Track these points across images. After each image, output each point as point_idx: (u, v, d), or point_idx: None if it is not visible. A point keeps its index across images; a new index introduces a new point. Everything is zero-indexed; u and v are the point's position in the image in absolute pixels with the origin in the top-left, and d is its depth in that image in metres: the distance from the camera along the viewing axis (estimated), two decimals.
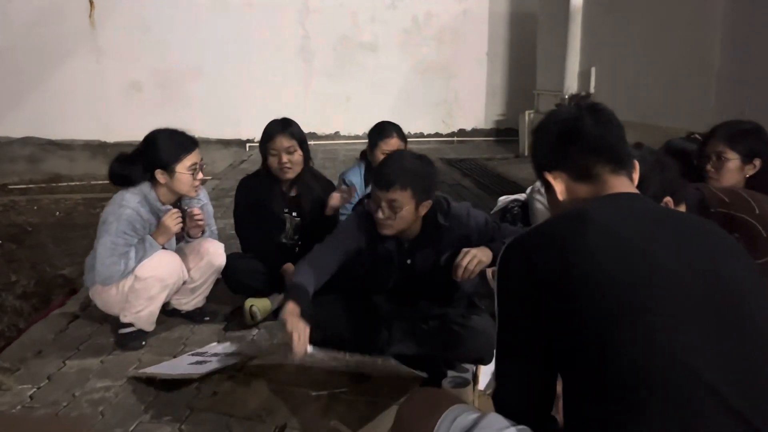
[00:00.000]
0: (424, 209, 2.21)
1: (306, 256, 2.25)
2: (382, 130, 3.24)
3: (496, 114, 10.39)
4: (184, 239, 2.83)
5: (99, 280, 2.55)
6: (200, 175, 2.63)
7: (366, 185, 3.31)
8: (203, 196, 2.84)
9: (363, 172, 3.36)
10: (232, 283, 2.91)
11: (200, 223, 2.72)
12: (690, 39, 5.00)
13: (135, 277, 2.55)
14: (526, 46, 9.35)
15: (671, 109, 5.21)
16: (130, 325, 2.68)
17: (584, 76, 7.03)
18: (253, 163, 8.48)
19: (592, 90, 6.86)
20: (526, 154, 8.44)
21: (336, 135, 9.96)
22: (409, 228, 2.24)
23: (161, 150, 2.56)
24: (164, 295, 2.66)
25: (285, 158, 2.84)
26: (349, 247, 2.29)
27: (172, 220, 2.58)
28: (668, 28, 5.31)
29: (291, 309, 1.97)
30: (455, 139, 10.31)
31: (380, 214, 2.15)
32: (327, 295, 2.31)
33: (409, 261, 2.35)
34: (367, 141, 3.29)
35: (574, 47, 7.15)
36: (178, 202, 2.74)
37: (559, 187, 1.29)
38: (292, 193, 3.01)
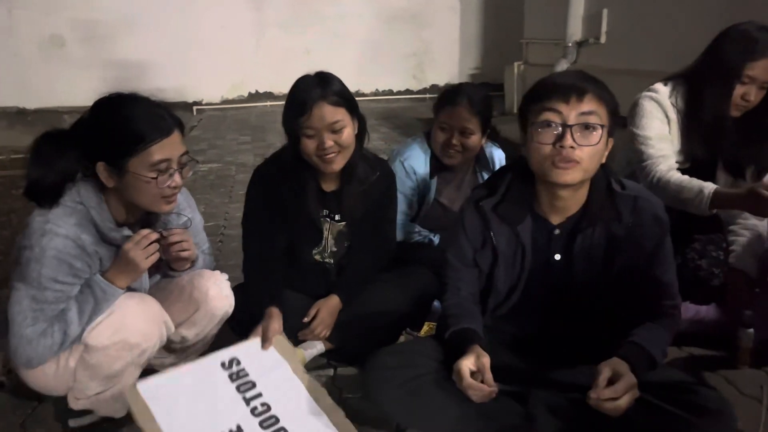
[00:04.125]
0: (607, 152, 1.49)
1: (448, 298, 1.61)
2: (448, 95, 2.28)
3: (471, 67, 9.48)
4: (162, 271, 1.80)
5: (20, 361, 1.54)
6: (176, 180, 1.57)
7: (432, 177, 2.35)
8: (186, 202, 1.81)
9: (430, 159, 2.35)
10: (245, 330, 1.93)
11: (184, 254, 1.65)
12: None
13: (85, 346, 1.54)
14: None
15: None
16: (87, 412, 1.68)
17: (592, 20, 6.15)
18: (204, 128, 7.35)
19: (602, 37, 6.00)
20: (515, 110, 7.59)
21: None
22: (580, 186, 1.49)
23: (109, 129, 1.53)
24: (138, 366, 1.67)
25: (329, 140, 1.79)
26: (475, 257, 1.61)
27: (140, 251, 1.54)
28: None
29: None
30: (428, 96, 9.36)
31: (568, 140, 1.40)
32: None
33: (558, 256, 1.54)
34: None
35: None
36: (147, 217, 1.70)
37: None
38: (333, 187, 1.99)
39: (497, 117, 7.67)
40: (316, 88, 1.79)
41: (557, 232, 1.55)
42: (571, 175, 1.42)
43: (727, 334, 2.00)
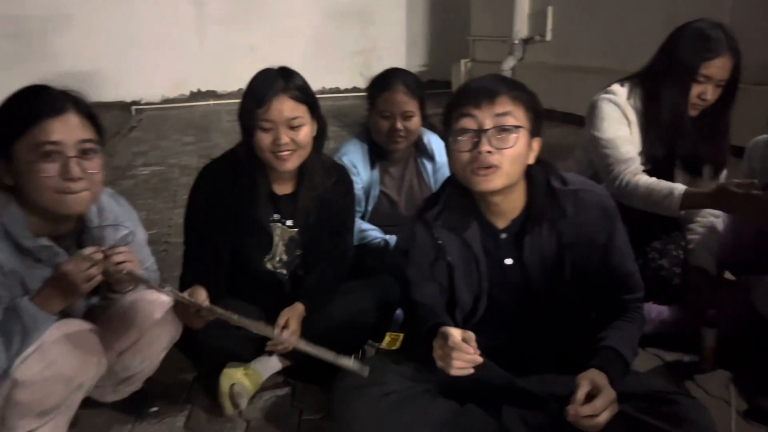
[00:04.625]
0: (533, 153, 1.45)
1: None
2: (381, 82, 2.24)
3: (419, 65, 9.44)
4: (100, 294, 1.60)
5: None
6: (73, 170, 1.37)
7: (373, 168, 2.29)
8: (125, 215, 1.63)
9: (368, 151, 2.30)
10: (195, 351, 1.79)
11: (128, 276, 1.40)
12: None
13: (13, 382, 1.36)
14: None
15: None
16: None
17: (538, 18, 6.20)
18: (145, 129, 7.06)
19: (548, 34, 6.05)
20: None
21: (240, 93, 8.57)
22: (510, 190, 1.44)
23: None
24: (75, 402, 1.50)
25: (285, 136, 1.70)
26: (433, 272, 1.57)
27: (81, 273, 1.34)
28: None
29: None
30: None
31: (485, 146, 1.36)
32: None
33: (509, 261, 1.52)
34: None
35: None
36: (82, 227, 1.52)
37: None
38: (286, 190, 1.88)
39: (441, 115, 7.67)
40: (279, 81, 1.70)
41: (504, 236, 1.50)
42: (493, 182, 1.38)
43: (691, 334, 1.99)
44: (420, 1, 9.17)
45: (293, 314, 1.80)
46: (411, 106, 2.20)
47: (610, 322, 1.47)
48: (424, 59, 9.40)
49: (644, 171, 2.05)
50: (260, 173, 1.79)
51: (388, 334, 2.03)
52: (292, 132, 1.71)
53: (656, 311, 2.06)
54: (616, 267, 1.49)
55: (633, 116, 2.08)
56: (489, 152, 1.36)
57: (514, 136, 1.37)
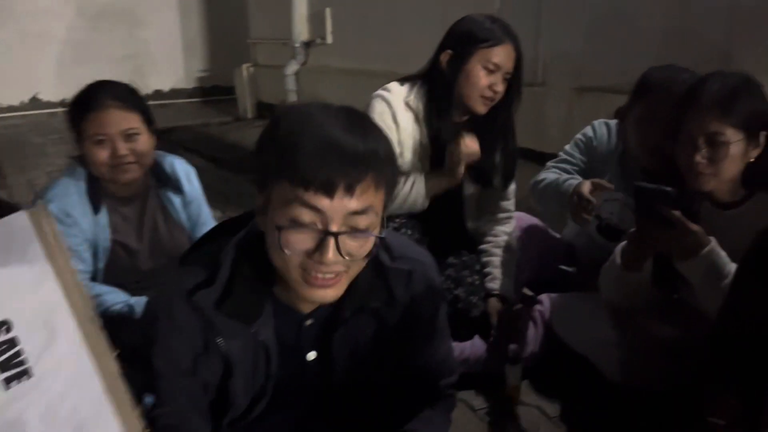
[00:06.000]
0: None
1: None
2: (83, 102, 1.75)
3: (199, 70, 8.76)
4: None
5: None
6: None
7: (96, 212, 1.78)
8: None
9: (85, 191, 1.77)
10: None
11: None
12: None
13: None
14: None
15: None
16: None
17: (317, 20, 5.94)
18: None
19: (328, 37, 5.83)
20: (250, 115, 7.13)
21: None
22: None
23: None
24: None
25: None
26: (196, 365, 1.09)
27: None
28: None
29: None
30: (151, 102, 8.30)
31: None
32: None
33: (313, 355, 1.15)
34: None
35: None
36: None
37: None
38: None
39: (231, 123, 7.15)
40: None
41: (309, 322, 1.12)
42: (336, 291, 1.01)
43: (496, 371, 1.79)
44: (193, 2, 8.49)
45: None
46: (132, 122, 1.73)
47: (419, 410, 1.19)
48: (205, 64, 8.73)
49: None
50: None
51: None
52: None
53: (458, 349, 1.83)
54: (434, 351, 1.21)
55: (407, 119, 1.87)
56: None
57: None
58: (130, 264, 1.82)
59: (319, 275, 0.96)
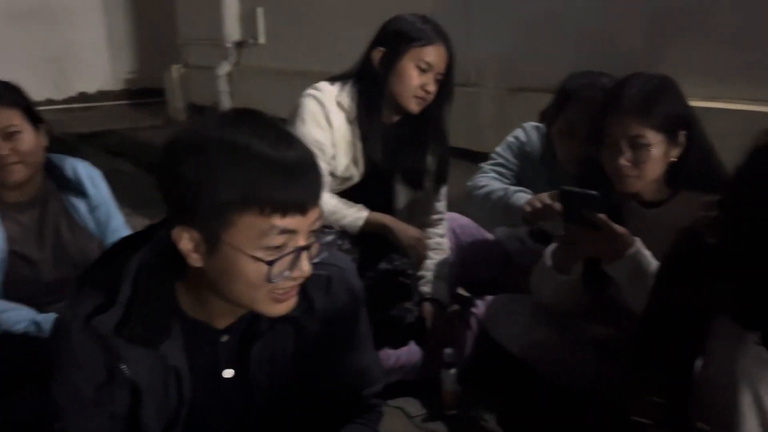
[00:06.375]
0: None
1: None
2: None
3: (127, 71, 8.46)
4: None
5: None
6: None
7: None
8: None
9: None
10: None
11: None
12: None
13: None
14: None
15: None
16: None
17: (248, 20, 5.81)
18: None
19: (261, 37, 5.71)
20: (181, 118, 6.93)
21: None
22: None
23: None
24: None
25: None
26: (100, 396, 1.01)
27: None
28: None
29: None
30: (76, 105, 8.10)
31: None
32: None
33: (229, 372, 1.08)
34: None
35: None
36: None
37: None
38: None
39: (161, 127, 6.91)
40: None
41: (225, 338, 1.06)
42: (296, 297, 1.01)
43: (432, 377, 1.77)
44: (118, 1, 8.19)
45: None
46: (11, 119, 1.63)
47: (344, 424, 1.15)
48: (133, 65, 8.44)
49: (360, 184, 1.88)
50: None
51: None
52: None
53: (394, 357, 1.80)
54: (357, 358, 1.17)
55: (340, 119, 1.84)
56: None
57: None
58: (32, 276, 1.69)
59: (290, 289, 0.97)
